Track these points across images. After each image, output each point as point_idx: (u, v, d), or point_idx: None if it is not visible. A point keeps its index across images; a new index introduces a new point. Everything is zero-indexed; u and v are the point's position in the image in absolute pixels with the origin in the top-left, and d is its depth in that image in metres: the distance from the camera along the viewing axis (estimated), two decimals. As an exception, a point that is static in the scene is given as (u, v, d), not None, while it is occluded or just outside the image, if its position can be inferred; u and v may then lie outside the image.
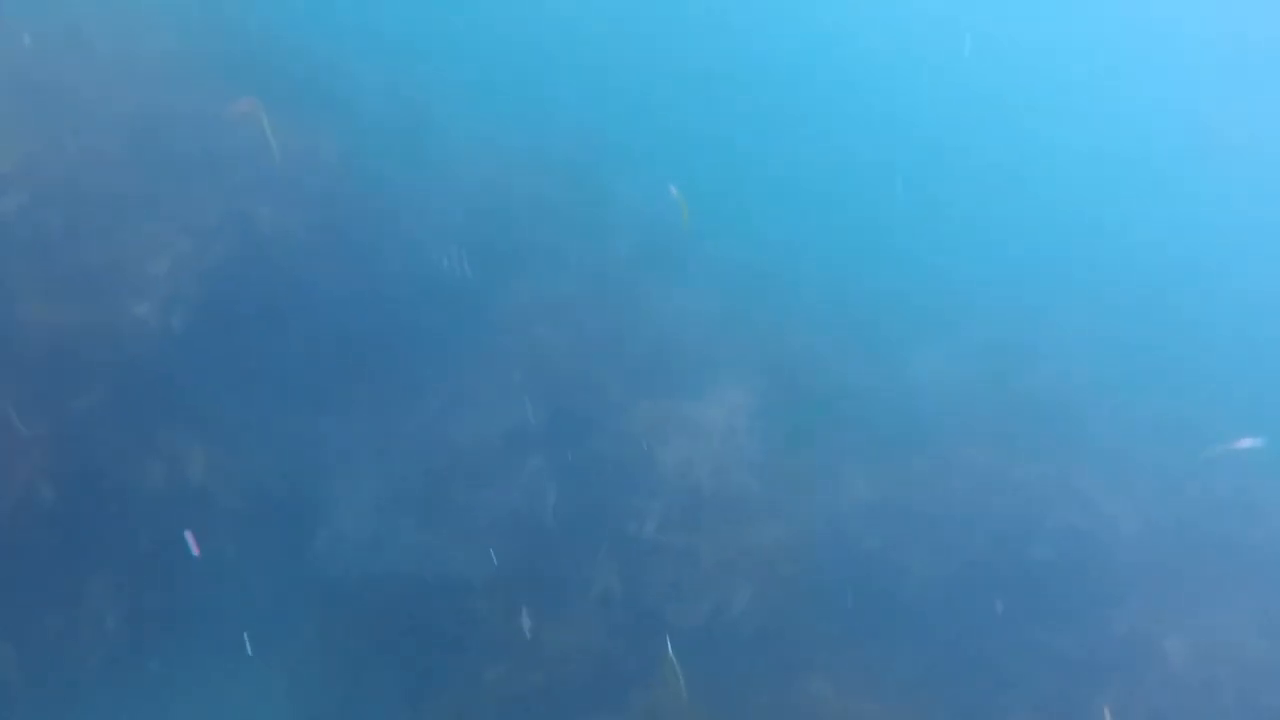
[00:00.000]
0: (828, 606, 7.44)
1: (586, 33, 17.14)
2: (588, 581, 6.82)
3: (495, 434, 7.36)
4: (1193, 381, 10.39)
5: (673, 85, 15.95)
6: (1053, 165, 15.65)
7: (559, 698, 6.12)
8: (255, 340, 7.15)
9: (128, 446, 6.52)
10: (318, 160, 8.92)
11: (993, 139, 16.02)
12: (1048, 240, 13.49)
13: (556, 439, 7.33)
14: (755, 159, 14.22)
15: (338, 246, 7.89)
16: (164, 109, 8.59)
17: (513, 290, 8.02)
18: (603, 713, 6.17)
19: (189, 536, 5.90)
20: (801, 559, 7.37)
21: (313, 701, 6.58)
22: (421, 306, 8.06)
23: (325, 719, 6.50)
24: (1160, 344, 11.15)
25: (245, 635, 6.31)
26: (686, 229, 8.04)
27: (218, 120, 8.76)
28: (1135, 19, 17.59)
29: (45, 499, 5.96)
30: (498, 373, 7.35)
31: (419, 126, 10.66)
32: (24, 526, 5.93)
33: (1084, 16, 17.86)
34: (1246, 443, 7.80)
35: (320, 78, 10.81)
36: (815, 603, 7.32)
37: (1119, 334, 11.19)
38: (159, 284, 6.80)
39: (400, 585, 6.72)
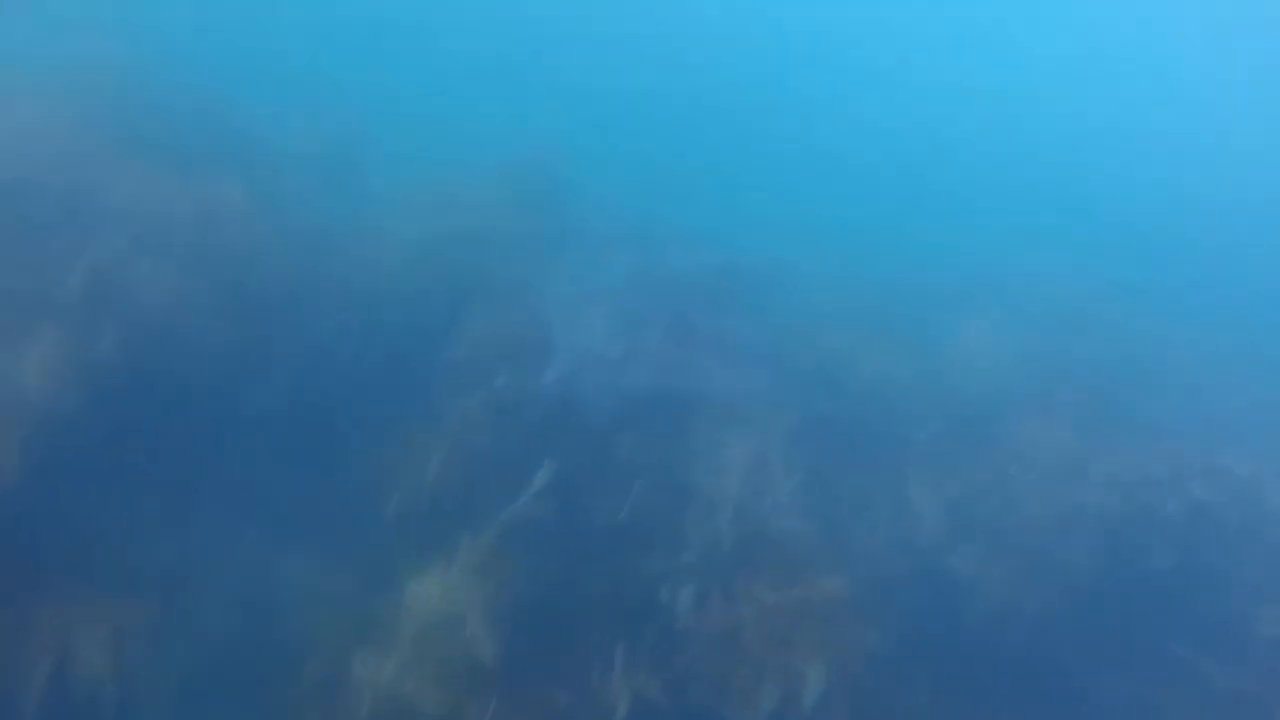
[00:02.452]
0: (922, 667, 5.90)
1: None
2: (612, 688, 5.25)
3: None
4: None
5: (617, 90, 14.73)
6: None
7: None
8: (155, 447, 5.64)
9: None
10: (224, 217, 7.48)
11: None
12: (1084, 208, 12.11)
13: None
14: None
15: (247, 310, 6.41)
16: (30, 176, 7.16)
17: (467, 332, 6.51)
18: None
19: None
20: (874, 612, 5.81)
21: None
22: (360, 370, 6.58)
23: None
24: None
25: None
26: None
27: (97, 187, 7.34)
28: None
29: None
30: (457, 438, 5.79)
31: (343, 164, 9.27)
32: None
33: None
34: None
35: (229, 127, 9.46)
36: (905, 665, 5.79)
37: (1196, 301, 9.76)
38: (24, 392, 5.30)
39: None
